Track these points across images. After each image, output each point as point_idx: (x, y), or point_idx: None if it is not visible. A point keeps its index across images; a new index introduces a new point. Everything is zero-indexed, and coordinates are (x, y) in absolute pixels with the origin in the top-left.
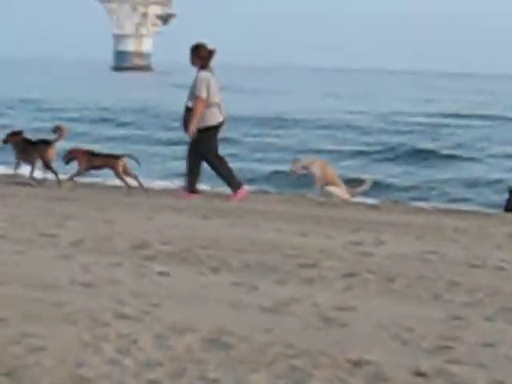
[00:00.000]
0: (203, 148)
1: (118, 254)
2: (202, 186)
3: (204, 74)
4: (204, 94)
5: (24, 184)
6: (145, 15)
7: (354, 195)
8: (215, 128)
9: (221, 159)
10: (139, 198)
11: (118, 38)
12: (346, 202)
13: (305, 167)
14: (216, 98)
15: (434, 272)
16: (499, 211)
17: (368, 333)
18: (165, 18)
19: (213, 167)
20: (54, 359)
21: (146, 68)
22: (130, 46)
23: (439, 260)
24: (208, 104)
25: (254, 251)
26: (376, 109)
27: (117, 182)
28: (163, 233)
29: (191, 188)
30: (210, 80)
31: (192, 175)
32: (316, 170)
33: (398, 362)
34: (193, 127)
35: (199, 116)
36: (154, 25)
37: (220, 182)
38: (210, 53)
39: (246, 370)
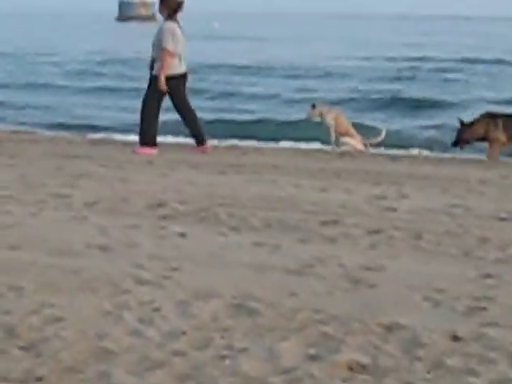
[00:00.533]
0: (171, 97)
1: (135, 215)
2: (211, 141)
3: (170, 24)
4: (170, 46)
5: (35, 141)
6: None
7: (369, 146)
8: (182, 77)
9: (188, 109)
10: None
11: None
12: (361, 153)
13: (321, 114)
14: (180, 49)
15: (462, 227)
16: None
17: (398, 294)
18: None
19: (181, 116)
20: (74, 331)
21: (150, 18)
22: None
23: (466, 214)
24: (173, 54)
25: (274, 208)
26: (366, 54)
27: (126, 137)
28: (180, 191)
29: (154, 140)
30: (176, 30)
31: (149, 128)
32: (330, 119)
33: (433, 326)
34: (162, 77)
35: (167, 67)
36: None
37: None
38: (179, 4)
39: (276, 338)
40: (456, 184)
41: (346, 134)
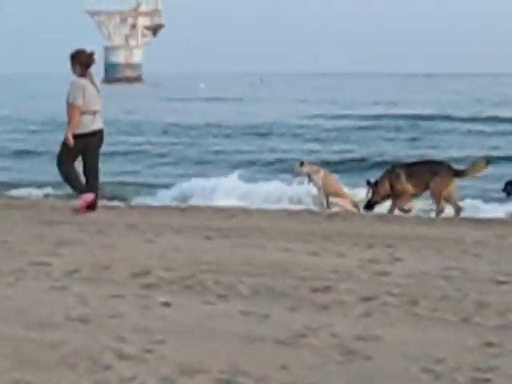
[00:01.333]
0: (82, 155)
1: (117, 284)
2: (197, 201)
3: (81, 81)
4: (79, 101)
5: (17, 207)
6: (134, 27)
7: (357, 206)
8: (94, 135)
9: (95, 172)
10: (136, 218)
11: (109, 50)
12: (352, 214)
13: (308, 174)
14: (94, 105)
15: (459, 291)
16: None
17: (395, 366)
18: (154, 29)
19: (61, 174)
20: None
21: (136, 79)
22: (120, 57)
23: (463, 277)
24: (84, 111)
25: (263, 274)
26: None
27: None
28: (165, 257)
29: (82, 191)
30: (86, 86)
31: (75, 180)
32: (318, 179)
33: None
34: (69, 135)
35: (75, 123)
36: (144, 36)
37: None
38: (89, 57)
39: None
40: (451, 245)
41: (336, 194)
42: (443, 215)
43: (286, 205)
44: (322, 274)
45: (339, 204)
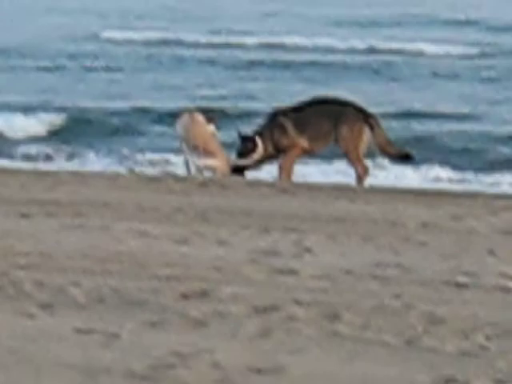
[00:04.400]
0: None
1: None
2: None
3: None
4: None
5: None
6: None
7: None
8: None
9: None
10: None
11: None
12: (235, 182)
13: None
14: None
15: (399, 299)
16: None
17: None
18: None
19: None
20: None
21: None
22: None
23: (404, 277)
24: None
25: (108, 272)
26: None
27: None
28: None
29: None
30: None
31: None
32: (180, 127)
33: None
34: None
35: None
36: None
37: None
38: None
39: None
40: (385, 230)
41: (208, 151)
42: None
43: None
44: (195, 272)
45: (211, 167)
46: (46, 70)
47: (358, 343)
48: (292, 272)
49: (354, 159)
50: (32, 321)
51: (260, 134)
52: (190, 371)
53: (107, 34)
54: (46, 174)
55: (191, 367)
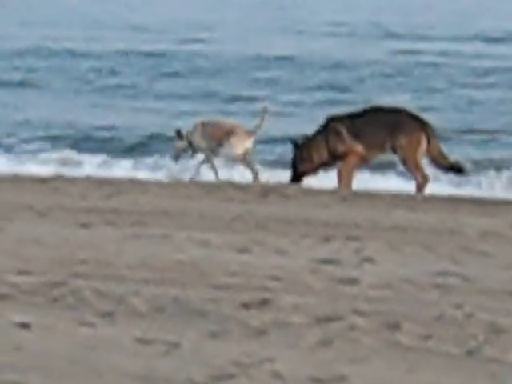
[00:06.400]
0: None
1: None
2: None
3: None
4: None
5: None
6: None
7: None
8: None
9: None
10: None
11: None
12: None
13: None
14: None
15: (461, 309)
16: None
17: None
18: None
19: None
20: None
21: None
22: None
23: (465, 287)
24: None
25: (168, 281)
26: None
27: None
28: (20, 254)
29: None
30: None
31: None
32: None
33: None
34: None
35: None
36: None
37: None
38: None
39: None
40: (445, 239)
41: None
42: (431, 193)
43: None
44: (256, 282)
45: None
46: None
47: (419, 353)
48: (352, 281)
49: (413, 168)
50: (92, 330)
51: (314, 140)
52: (250, 381)
53: None
54: (106, 182)
55: (252, 377)
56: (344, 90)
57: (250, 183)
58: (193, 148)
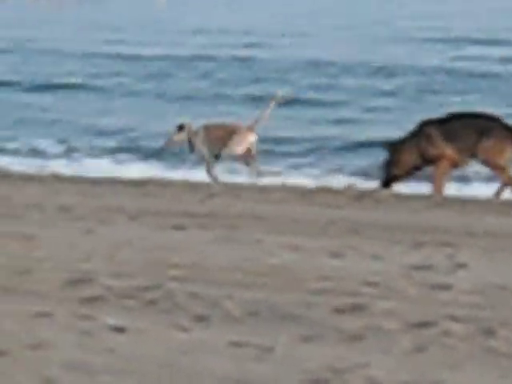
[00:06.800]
0: None
1: (42, 297)
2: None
3: None
4: None
5: None
6: None
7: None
8: None
9: None
10: (69, 196)
11: None
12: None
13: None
14: None
15: None
16: None
17: None
18: None
19: None
20: None
21: None
22: None
23: None
24: None
25: (262, 286)
26: None
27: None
28: (113, 257)
29: None
30: None
31: None
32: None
33: None
34: None
35: None
36: None
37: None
38: None
39: None
40: None
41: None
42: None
43: (291, 178)
44: (349, 286)
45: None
46: None
47: None
48: (446, 287)
49: (494, 169)
50: (186, 333)
51: (407, 144)
52: None
53: None
54: (199, 185)
55: (347, 382)
56: (432, 93)
57: (342, 188)
58: (191, 147)
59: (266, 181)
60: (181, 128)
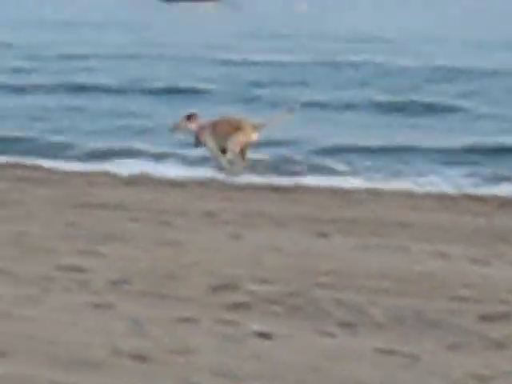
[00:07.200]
0: None
1: (187, 302)
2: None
3: None
4: None
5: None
6: None
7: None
8: None
9: None
10: (215, 202)
11: None
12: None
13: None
14: None
15: None
16: None
17: None
18: None
19: None
20: None
21: None
22: None
23: None
24: None
25: (407, 293)
26: None
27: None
28: (259, 263)
29: None
30: None
31: None
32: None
33: None
34: None
35: None
36: None
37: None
38: None
39: None
40: None
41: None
42: None
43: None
44: (495, 294)
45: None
46: None
47: None
48: None
49: None
50: (333, 340)
51: None
52: None
53: None
54: (342, 192)
55: None
56: None
57: (486, 195)
58: (197, 140)
59: (377, 185)
60: (189, 117)
